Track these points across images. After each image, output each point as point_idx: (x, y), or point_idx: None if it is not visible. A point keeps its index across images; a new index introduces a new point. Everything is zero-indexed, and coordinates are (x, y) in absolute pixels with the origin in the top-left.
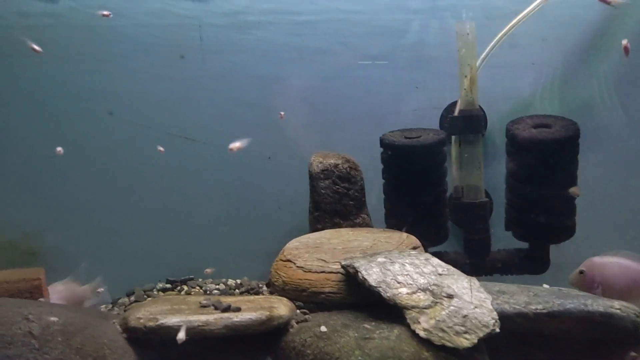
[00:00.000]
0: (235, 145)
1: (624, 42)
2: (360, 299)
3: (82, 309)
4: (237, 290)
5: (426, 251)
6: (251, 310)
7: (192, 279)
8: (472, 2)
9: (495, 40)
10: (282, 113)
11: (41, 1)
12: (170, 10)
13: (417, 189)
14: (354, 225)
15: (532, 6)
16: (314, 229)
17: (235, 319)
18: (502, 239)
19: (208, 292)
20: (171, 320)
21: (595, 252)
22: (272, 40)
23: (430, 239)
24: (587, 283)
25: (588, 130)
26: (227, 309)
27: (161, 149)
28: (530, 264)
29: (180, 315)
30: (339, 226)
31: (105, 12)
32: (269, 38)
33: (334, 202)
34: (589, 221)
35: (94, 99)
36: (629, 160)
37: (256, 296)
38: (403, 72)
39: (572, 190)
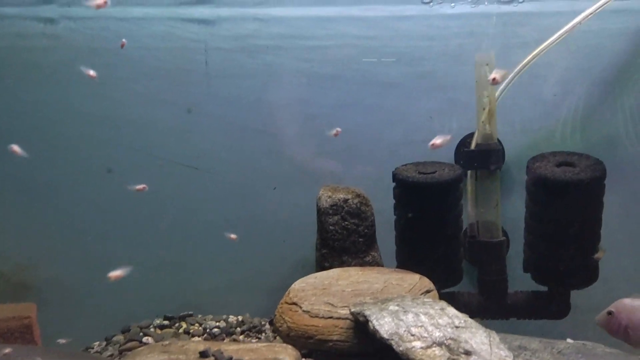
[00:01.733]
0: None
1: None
2: (371, 349)
3: (76, 354)
4: (238, 328)
5: (439, 291)
6: None
7: (190, 315)
8: (492, 30)
9: (515, 71)
10: (338, 129)
11: (40, 22)
12: (175, 33)
13: (431, 228)
14: (363, 264)
15: (555, 36)
16: (321, 267)
17: None
18: (520, 280)
19: (208, 329)
20: None
21: (618, 295)
22: (281, 65)
23: (444, 280)
24: (614, 325)
25: (611, 166)
26: None
27: (141, 187)
28: (549, 308)
29: None
30: (348, 264)
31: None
32: (277, 63)
33: (342, 239)
34: (612, 262)
35: (94, 124)
36: None
37: (260, 344)
38: (417, 101)
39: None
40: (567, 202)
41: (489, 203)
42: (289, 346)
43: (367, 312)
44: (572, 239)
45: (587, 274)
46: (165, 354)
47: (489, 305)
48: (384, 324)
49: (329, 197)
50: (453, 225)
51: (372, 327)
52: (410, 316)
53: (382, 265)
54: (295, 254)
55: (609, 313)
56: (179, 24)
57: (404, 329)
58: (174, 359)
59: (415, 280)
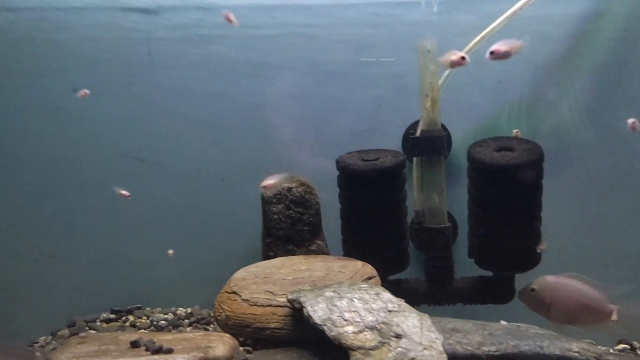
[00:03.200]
0: (269, 182)
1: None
2: (308, 336)
3: (7, 349)
4: (186, 320)
5: (386, 279)
6: (184, 351)
7: (139, 308)
8: (435, 18)
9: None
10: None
11: None
12: (116, 23)
13: (375, 215)
14: (308, 253)
15: (497, 22)
16: (265, 256)
17: None
18: (468, 266)
19: (155, 322)
20: None
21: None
22: (227, 55)
23: (390, 267)
24: (536, 302)
25: (557, 152)
26: (158, 350)
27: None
28: (494, 293)
29: (105, 358)
30: (293, 253)
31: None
32: (223, 53)
33: (286, 227)
34: (559, 246)
35: (35, 116)
36: (600, 182)
37: (196, 333)
38: (365, 89)
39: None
40: (505, 186)
41: (434, 189)
42: (227, 335)
43: (302, 299)
44: (512, 222)
45: (529, 257)
46: (96, 342)
47: (435, 292)
48: (317, 310)
49: None
50: (397, 211)
51: (306, 313)
52: (344, 302)
53: (328, 254)
54: (244, 244)
55: (532, 290)
56: (120, 13)
57: (337, 315)
58: (104, 349)
59: (357, 267)
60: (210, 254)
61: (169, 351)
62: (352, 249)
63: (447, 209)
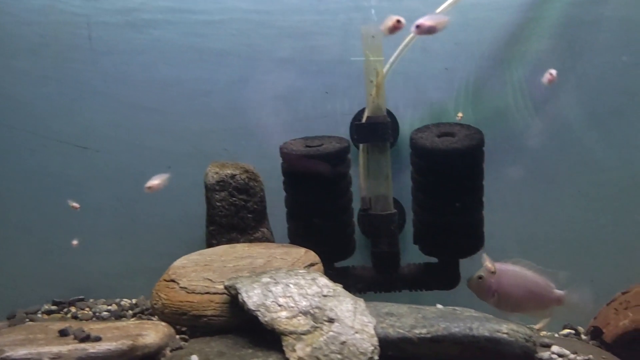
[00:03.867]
0: (154, 182)
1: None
2: (245, 323)
3: None
4: (130, 311)
5: (333, 266)
6: (113, 339)
7: (82, 300)
8: (380, 4)
9: (403, 44)
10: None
11: None
12: (56, 6)
13: (319, 201)
14: (252, 240)
15: (441, 8)
16: (209, 244)
17: (91, 350)
18: (416, 253)
19: (98, 313)
20: (18, 352)
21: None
22: (171, 41)
23: (335, 253)
24: (484, 289)
25: (503, 138)
26: (86, 338)
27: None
28: (439, 279)
29: (32, 346)
30: (237, 241)
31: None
32: (167, 38)
33: (230, 215)
34: (504, 231)
35: None
36: (545, 169)
37: (129, 321)
38: (312, 76)
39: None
40: (445, 171)
41: (380, 176)
42: (162, 323)
43: (238, 285)
44: (453, 207)
45: (471, 242)
46: (24, 331)
47: (381, 278)
48: (252, 296)
49: (216, 173)
50: (341, 197)
51: (241, 299)
52: (280, 287)
53: (273, 241)
54: (191, 233)
55: (479, 277)
56: None
57: (271, 300)
58: (31, 338)
59: (300, 254)
60: (156, 244)
61: (97, 339)
62: (297, 237)
63: (396, 196)
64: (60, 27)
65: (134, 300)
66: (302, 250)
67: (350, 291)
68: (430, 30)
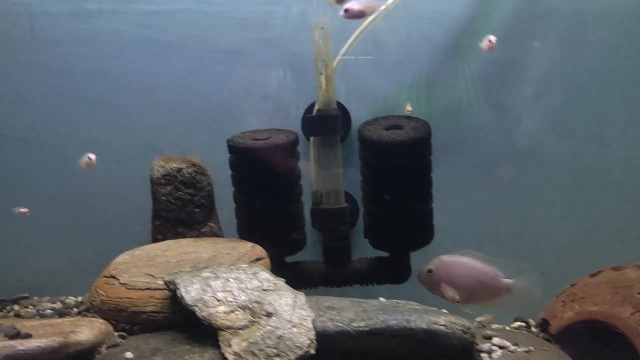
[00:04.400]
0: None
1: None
2: (186, 319)
3: None
4: (75, 309)
5: (283, 261)
6: (44, 336)
7: (26, 297)
8: None
9: (354, 36)
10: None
11: None
12: None
13: (267, 195)
14: (200, 235)
15: (390, 1)
16: (154, 239)
17: (20, 347)
18: (369, 248)
19: (41, 311)
20: None
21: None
22: (117, 31)
23: (286, 248)
24: (434, 282)
25: (455, 132)
26: (15, 335)
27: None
28: (390, 273)
29: None
30: (184, 236)
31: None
32: (113, 29)
33: (176, 209)
34: (457, 225)
35: None
36: (496, 162)
37: (65, 319)
38: (264, 69)
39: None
40: (392, 164)
41: (330, 170)
42: (99, 320)
43: (177, 280)
44: (400, 200)
45: (420, 235)
46: None
47: (332, 273)
48: (191, 291)
49: (162, 166)
50: (290, 190)
51: (179, 294)
52: (219, 282)
53: (222, 236)
54: (141, 229)
55: (429, 271)
56: None
57: (210, 295)
58: None
59: (247, 249)
60: (105, 240)
61: (27, 336)
62: (246, 231)
63: (350, 191)
64: (1, 18)
65: (79, 298)
66: (249, 244)
67: (300, 286)
68: (359, 15)
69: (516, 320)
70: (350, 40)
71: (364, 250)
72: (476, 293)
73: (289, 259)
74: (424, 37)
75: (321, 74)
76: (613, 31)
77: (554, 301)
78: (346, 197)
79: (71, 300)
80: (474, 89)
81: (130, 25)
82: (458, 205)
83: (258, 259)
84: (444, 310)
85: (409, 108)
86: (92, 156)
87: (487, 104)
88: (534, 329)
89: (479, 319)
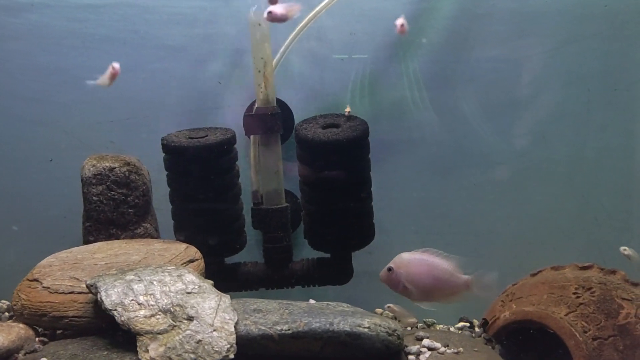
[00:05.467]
0: None
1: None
2: (110, 324)
3: None
4: (6, 314)
5: (222, 262)
6: None
7: None
8: None
9: (294, 33)
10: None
11: None
12: None
13: (203, 195)
14: (134, 237)
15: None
16: (86, 241)
17: None
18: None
19: None
20: None
21: None
22: (50, 26)
23: (224, 249)
24: (394, 281)
25: (400, 131)
26: None
27: None
28: (332, 274)
29: None
30: (116, 238)
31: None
32: (45, 23)
33: (109, 210)
34: (402, 224)
35: None
36: (442, 161)
37: None
38: (205, 65)
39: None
40: (329, 163)
41: (270, 170)
42: (20, 325)
43: (99, 284)
44: (339, 200)
45: (359, 235)
46: None
47: (273, 274)
48: (111, 294)
49: (93, 165)
50: (227, 191)
51: (99, 298)
52: (142, 285)
53: (158, 237)
54: (76, 230)
55: (389, 269)
56: None
57: (131, 298)
58: None
59: (180, 250)
60: (38, 241)
61: None
62: (182, 233)
63: (294, 190)
64: None
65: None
66: (183, 246)
67: (240, 288)
68: (281, 18)
69: (460, 320)
70: (291, 37)
71: (308, 251)
72: (435, 290)
73: (230, 261)
74: (366, 34)
75: (259, 71)
76: (555, 30)
77: (495, 301)
78: (289, 197)
79: (3, 304)
80: (418, 88)
81: (64, 19)
82: (403, 205)
83: (191, 261)
84: (387, 311)
85: (347, 110)
86: (116, 65)
87: (431, 103)
88: (477, 330)
89: (408, 320)
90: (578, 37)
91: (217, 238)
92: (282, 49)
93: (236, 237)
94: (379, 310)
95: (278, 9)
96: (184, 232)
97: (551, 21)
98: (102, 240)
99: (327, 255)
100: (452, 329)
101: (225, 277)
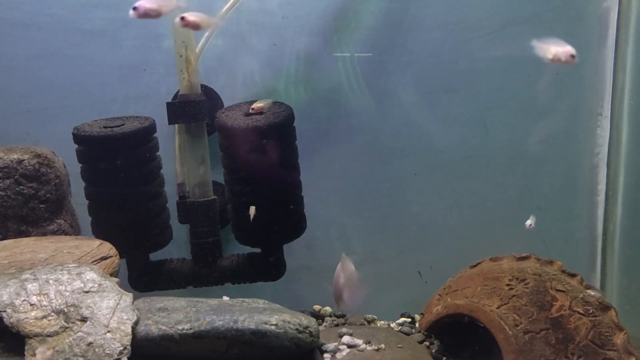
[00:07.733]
0: None
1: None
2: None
3: None
4: None
5: (146, 259)
6: None
7: None
8: None
9: (219, 16)
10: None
11: None
12: None
13: (120, 188)
14: (46, 233)
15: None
16: None
17: None
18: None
19: None
20: None
21: (349, 250)
22: None
23: (145, 245)
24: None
25: (336, 118)
26: None
27: None
28: (263, 270)
29: None
30: (27, 235)
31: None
32: None
33: (17, 205)
34: (341, 216)
35: None
36: (379, 150)
37: None
38: (128, 51)
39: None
40: (251, 151)
41: (195, 161)
42: None
43: None
44: (263, 191)
45: (285, 227)
46: None
47: (201, 271)
48: (3, 294)
49: (0, 158)
50: (146, 183)
51: None
52: (36, 284)
53: (75, 234)
54: None
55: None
56: None
57: (23, 299)
58: None
59: (92, 247)
60: None
61: None
62: (100, 229)
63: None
64: None
65: None
66: (97, 242)
67: (167, 287)
68: (147, 14)
69: (402, 315)
70: (215, 20)
71: (240, 246)
72: (338, 297)
73: (154, 257)
74: (299, 17)
75: (181, 56)
76: (494, 13)
77: (434, 295)
78: (219, 189)
79: None
80: (354, 74)
81: None
82: (341, 197)
83: (104, 258)
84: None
85: (255, 105)
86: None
87: (368, 89)
88: (417, 325)
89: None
90: (518, 19)
91: (138, 234)
92: (207, 33)
93: (159, 232)
94: (316, 307)
95: (146, 3)
96: (101, 228)
97: (490, 2)
98: (10, 238)
99: (259, 251)
100: (392, 324)
101: (150, 275)
